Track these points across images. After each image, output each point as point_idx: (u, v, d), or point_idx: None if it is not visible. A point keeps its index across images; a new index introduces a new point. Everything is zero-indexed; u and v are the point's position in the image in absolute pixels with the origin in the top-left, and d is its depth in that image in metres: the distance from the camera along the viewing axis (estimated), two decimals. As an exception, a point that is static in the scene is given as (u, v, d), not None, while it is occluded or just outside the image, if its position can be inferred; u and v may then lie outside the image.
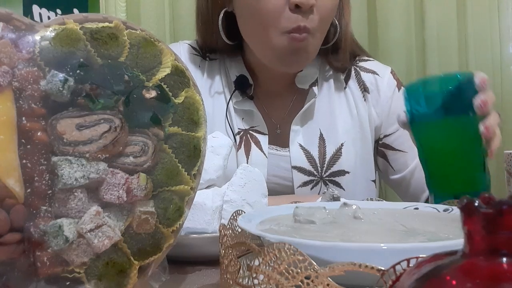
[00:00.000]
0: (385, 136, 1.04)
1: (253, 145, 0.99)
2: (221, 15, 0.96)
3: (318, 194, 1.00)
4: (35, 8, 0.95)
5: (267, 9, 0.88)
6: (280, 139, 1.03)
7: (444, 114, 0.61)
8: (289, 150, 1.00)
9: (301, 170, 1.00)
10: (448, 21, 1.59)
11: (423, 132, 0.64)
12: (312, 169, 1.00)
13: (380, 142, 1.05)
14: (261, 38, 0.92)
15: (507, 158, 0.81)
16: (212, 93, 1.04)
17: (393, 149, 1.03)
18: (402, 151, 1.02)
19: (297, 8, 0.87)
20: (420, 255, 0.29)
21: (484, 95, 0.61)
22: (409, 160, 1.02)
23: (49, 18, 0.97)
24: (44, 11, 0.96)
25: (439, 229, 0.50)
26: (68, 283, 0.44)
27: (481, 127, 0.60)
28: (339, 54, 1.02)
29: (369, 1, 1.59)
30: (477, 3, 1.60)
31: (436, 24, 1.58)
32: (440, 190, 0.63)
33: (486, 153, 0.62)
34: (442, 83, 0.62)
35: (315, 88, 1.02)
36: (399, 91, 1.05)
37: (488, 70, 1.62)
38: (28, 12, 0.94)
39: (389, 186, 1.11)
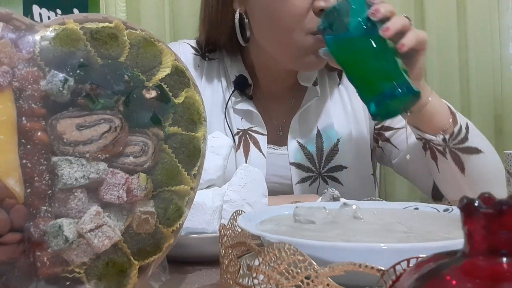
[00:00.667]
0: None
1: (252, 146, 1.00)
2: (237, 16, 0.95)
3: (317, 191, 1.00)
4: (35, 8, 0.95)
5: (292, 11, 0.88)
6: (278, 138, 1.03)
7: (352, 33, 0.73)
8: (287, 148, 1.01)
9: (299, 166, 1.01)
10: (448, 21, 1.59)
11: (340, 54, 0.76)
12: (311, 166, 1.01)
13: (376, 126, 1.05)
14: (282, 39, 0.92)
15: (507, 158, 0.81)
16: (211, 93, 1.04)
17: (391, 129, 1.04)
18: (401, 128, 1.02)
19: (321, 12, 0.88)
20: (420, 255, 0.29)
21: (376, 5, 0.72)
22: (408, 135, 1.02)
23: (49, 18, 0.97)
24: (44, 11, 0.96)
25: (439, 229, 0.50)
26: (68, 283, 0.44)
27: (380, 31, 0.71)
28: None
29: (369, 1, 1.59)
30: (477, 3, 1.60)
31: (436, 24, 1.58)
32: (369, 95, 0.72)
33: (396, 50, 0.72)
34: (342, 11, 0.74)
35: (317, 87, 1.02)
36: None
37: (488, 70, 1.62)
38: (28, 12, 0.93)
39: (397, 173, 1.10)
